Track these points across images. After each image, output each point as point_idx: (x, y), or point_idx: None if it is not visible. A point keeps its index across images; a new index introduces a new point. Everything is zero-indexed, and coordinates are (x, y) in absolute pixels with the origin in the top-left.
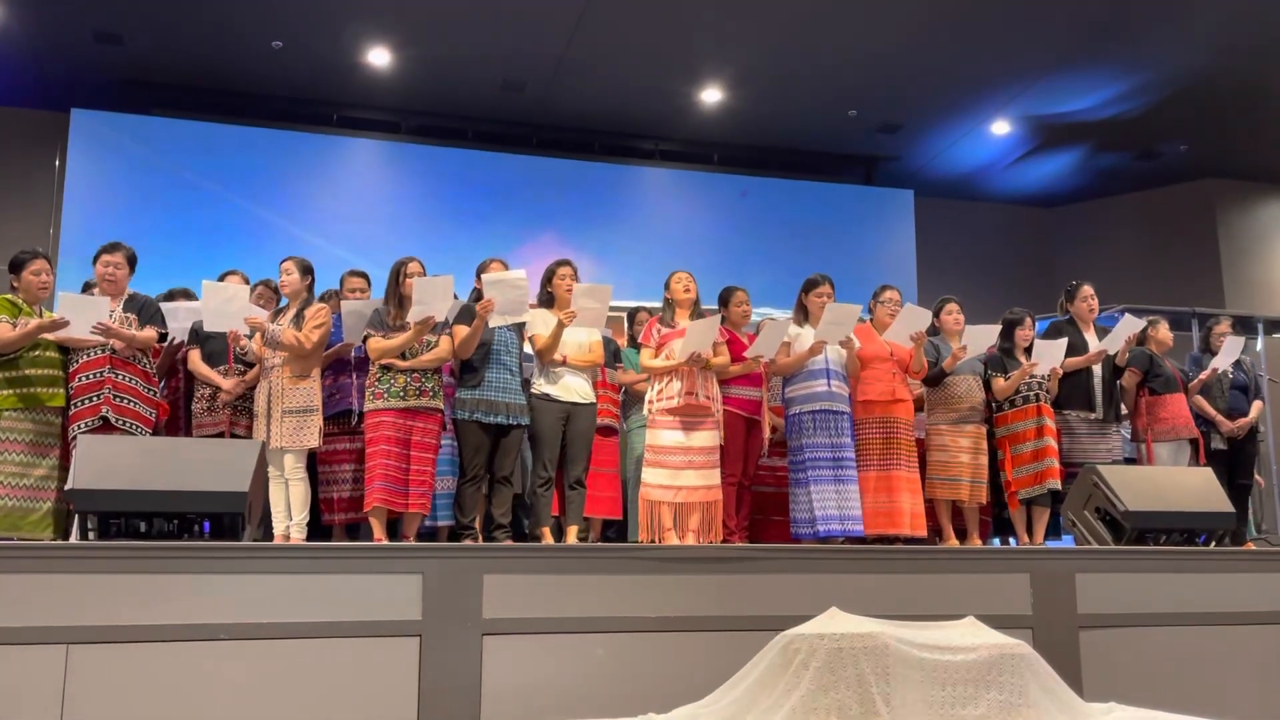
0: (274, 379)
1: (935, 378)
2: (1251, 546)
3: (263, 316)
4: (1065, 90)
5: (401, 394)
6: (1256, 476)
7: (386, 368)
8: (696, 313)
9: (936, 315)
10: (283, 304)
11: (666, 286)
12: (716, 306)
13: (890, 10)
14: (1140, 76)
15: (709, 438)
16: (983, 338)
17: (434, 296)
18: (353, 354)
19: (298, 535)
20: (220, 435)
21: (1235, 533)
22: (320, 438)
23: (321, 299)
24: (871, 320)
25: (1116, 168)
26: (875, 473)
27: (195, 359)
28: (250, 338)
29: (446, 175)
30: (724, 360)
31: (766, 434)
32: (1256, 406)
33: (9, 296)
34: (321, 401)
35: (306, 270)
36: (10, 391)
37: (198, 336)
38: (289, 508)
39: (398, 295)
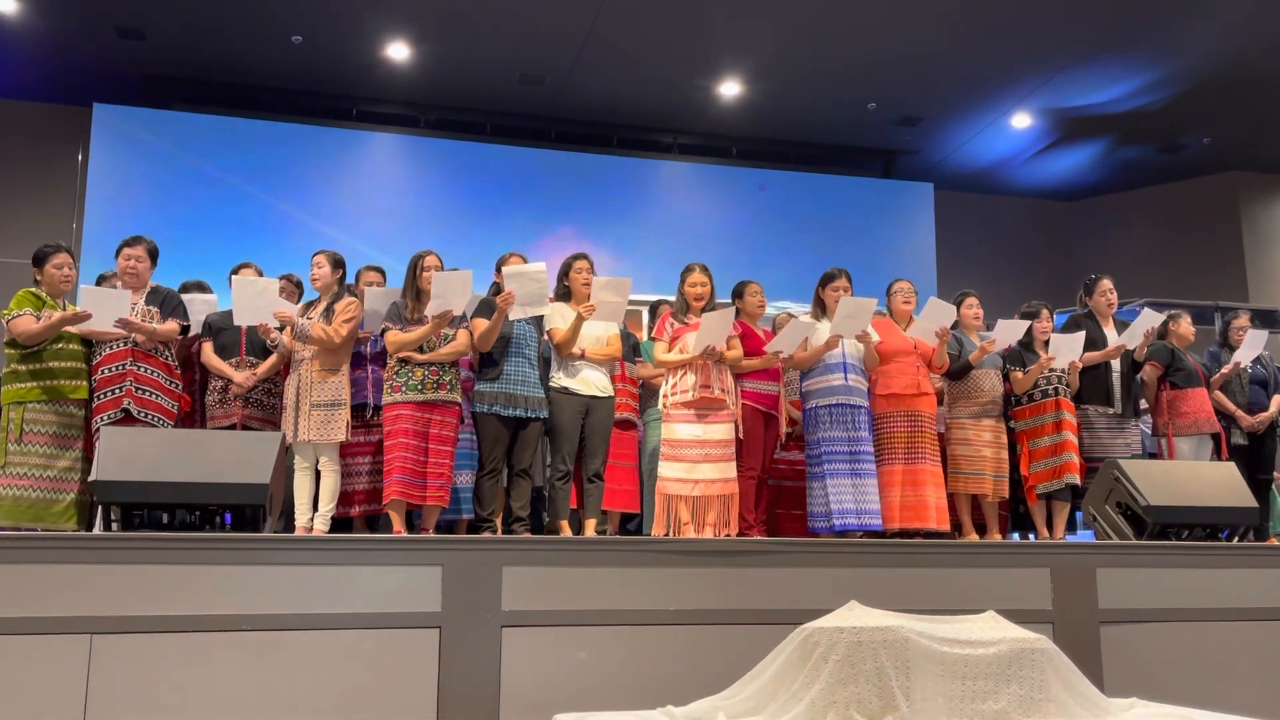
0: (303, 372)
1: (961, 370)
2: (1275, 542)
3: (292, 310)
4: (1087, 83)
5: (419, 387)
6: (1277, 474)
7: (404, 361)
8: (710, 308)
9: (956, 308)
10: (306, 297)
11: (681, 282)
12: (730, 300)
13: (910, 2)
14: (1163, 69)
15: (725, 430)
16: (1011, 332)
17: (453, 291)
18: (368, 348)
19: (322, 526)
20: (232, 427)
21: (1258, 528)
22: (348, 432)
23: (351, 292)
24: (890, 313)
25: (1139, 160)
26: (901, 466)
27: (208, 351)
28: (281, 331)
29: (465, 169)
30: (738, 354)
31: (784, 428)
32: (1276, 401)
33: (33, 290)
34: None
35: (338, 264)
36: (34, 384)
37: (210, 329)
38: (313, 499)
39: (415, 288)
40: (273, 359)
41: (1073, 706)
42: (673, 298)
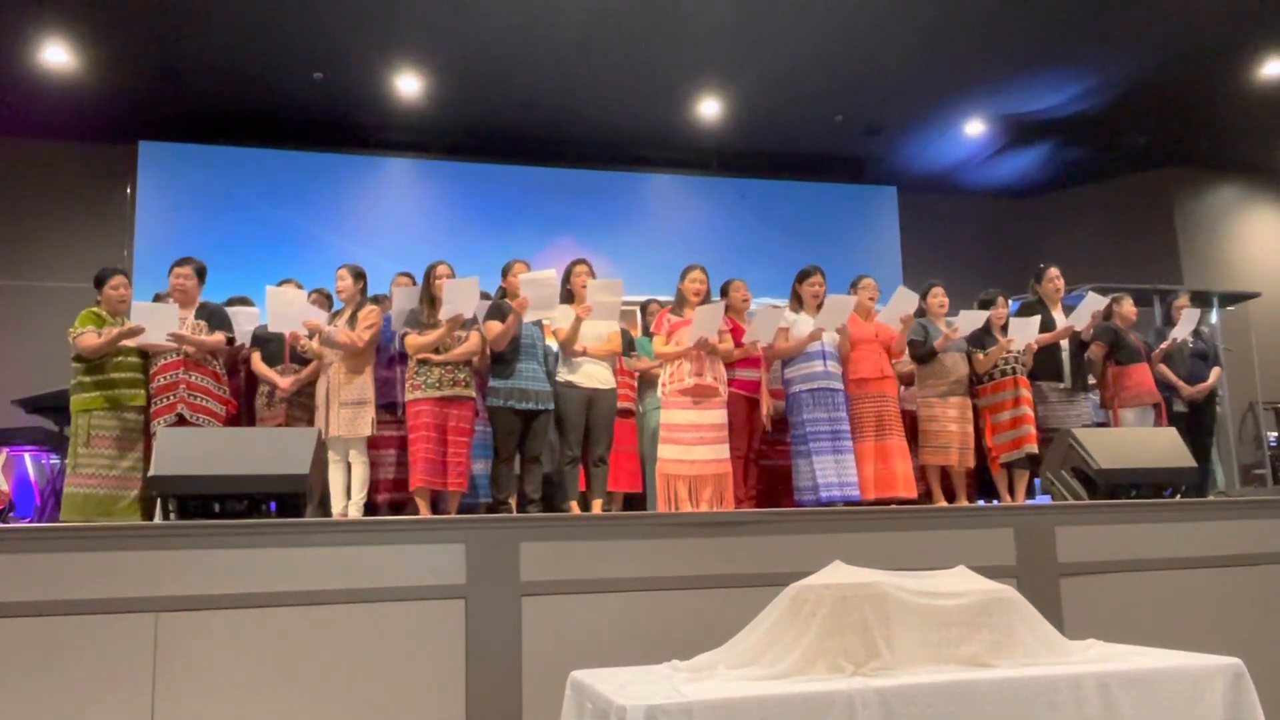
0: (331, 374)
1: (928, 355)
2: (1212, 498)
3: (320, 319)
4: (1033, 91)
5: (437, 384)
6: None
7: (423, 361)
8: (704, 304)
9: (923, 298)
10: (336, 308)
11: (681, 279)
12: (718, 298)
13: (871, 26)
14: (1100, 77)
15: (718, 415)
16: (973, 321)
17: (462, 296)
18: (395, 352)
19: (355, 512)
20: (278, 426)
21: (1198, 486)
22: (373, 427)
23: (373, 301)
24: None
25: (1081, 160)
26: (872, 443)
27: (256, 360)
28: (310, 338)
29: (473, 187)
30: (729, 346)
31: (766, 411)
32: (1215, 372)
33: (94, 309)
34: (374, 394)
35: (358, 275)
36: (98, 393)
37: (258, 340)
38: (347, 488)
39: (429, 295)
40: (313, 365)
41: (1038, 648)
42: (662, 298)
